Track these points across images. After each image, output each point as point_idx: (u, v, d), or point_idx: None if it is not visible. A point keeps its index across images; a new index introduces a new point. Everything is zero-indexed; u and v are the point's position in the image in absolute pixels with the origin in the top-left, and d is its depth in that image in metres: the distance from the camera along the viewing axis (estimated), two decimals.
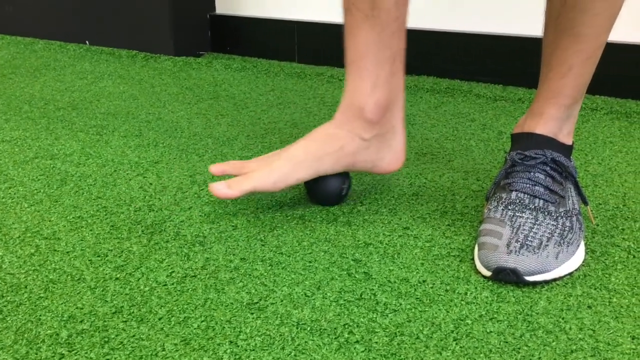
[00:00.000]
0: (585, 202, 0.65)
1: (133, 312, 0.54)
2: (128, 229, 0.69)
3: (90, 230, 0.68)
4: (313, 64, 1.50)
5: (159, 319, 0.53)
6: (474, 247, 0.64)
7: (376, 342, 0.50)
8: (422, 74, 1.37)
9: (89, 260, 0.62)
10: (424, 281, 0.58)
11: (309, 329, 0.52)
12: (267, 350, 0.49)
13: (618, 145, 0.94)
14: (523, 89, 1.24)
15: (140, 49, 1.63)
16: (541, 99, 0.66)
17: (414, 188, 0.79)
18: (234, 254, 0.63)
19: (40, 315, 0.54)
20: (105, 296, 0.56)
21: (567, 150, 0.67)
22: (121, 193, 0.78)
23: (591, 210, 0.72)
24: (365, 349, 0.49)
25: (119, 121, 1.06)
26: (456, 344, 0.50)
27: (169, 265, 0.61)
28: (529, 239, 0.58)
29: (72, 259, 0.63)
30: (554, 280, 0.58)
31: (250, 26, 1.57)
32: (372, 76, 0.67)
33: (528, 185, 0.64)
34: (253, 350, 0.49)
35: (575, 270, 0.60)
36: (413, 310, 0.54)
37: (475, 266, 0.60)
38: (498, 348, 0.49)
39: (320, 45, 1.47)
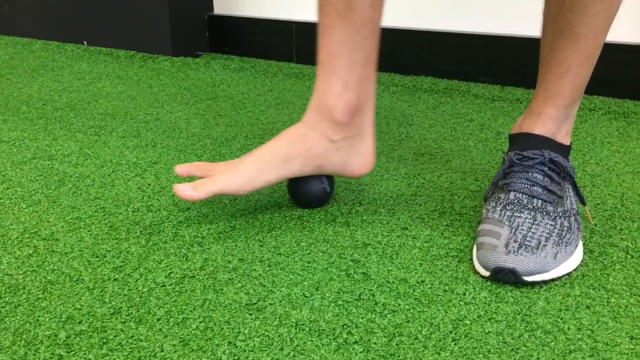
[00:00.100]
0: (583, 202, 0.65)
1: (131, 313, 0.54)
2: (126, 230, 0.68)
3: (89, 231, 0.68)
4: (311, 64, 1.50)
5: (158, 319, 0.53)
6: (472, 248, 0.64)
7: (375, 343, 0.50)
8: (420, 74, 1.37)
9: (88, 261, 0.62)
10: (422, 281, 0.58)
11: (307, 329, 0.52)
12: (265, 350, 0.49)
13: (616, 145, 0.94)
14: (521, 89, 1.25)
15: (138, 49, 1.63)
16: (539, 100, 0.66)
17: (412, 188, 0.79)
18: (232, 255, 0.63)
19: (38, 316, 0.54)
20: (104, 297, 0.56)
21: (565, 150, 0.67)
22: (119, 194, 0.78)
23: (589, 211, 0.72)
24: (364, 350, 0.49)
25: (117, 122, 1.06)
26: (455, 344, 0.50)
27: (167, 266, 0.61)
28: (528, 239, 0.58)
29: (70, 259, 0.62)
30: (553, 280, 0.58)
31: (248, 26, 1.57)
32: (344, 77, 0.66)
33: (526, 186, 0.64)
34: (252, 350, 0.49)
35: (574, 270, 0.60)
36: (412, 310, 0.54)
37: (473, 266, 0.60)
38: (497, 348, 0.49)
39: None
